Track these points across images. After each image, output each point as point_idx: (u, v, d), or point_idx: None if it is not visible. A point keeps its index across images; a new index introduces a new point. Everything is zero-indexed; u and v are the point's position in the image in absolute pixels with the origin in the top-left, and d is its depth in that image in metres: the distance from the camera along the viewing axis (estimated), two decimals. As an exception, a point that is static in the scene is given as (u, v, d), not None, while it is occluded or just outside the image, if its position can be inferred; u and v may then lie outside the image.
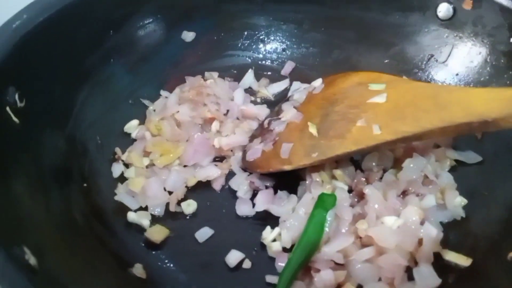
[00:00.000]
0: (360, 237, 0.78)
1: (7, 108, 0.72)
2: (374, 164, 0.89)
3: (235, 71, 1.12)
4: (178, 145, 0.94)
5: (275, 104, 1.05)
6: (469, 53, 0.99)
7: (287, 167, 0.86)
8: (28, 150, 0.74)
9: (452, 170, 0.91)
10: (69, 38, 0.87)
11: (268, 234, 0.81)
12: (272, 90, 1.09)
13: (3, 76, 0.72)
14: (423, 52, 1.05)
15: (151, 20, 1.03)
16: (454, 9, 0.99)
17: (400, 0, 1.03)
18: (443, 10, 1.00)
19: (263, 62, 1.14)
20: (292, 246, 0.78)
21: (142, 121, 0.99)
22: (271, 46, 1.15)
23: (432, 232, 0.77)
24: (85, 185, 0.83)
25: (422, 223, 0.79)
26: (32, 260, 0.54)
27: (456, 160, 0.92)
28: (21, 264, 0.51)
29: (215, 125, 0.98)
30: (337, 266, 0.75)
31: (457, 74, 1.01)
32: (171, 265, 0.78)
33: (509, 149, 0.89)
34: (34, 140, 0.77)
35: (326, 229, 0.76)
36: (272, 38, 1.15)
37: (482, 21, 0.96)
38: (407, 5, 1.03)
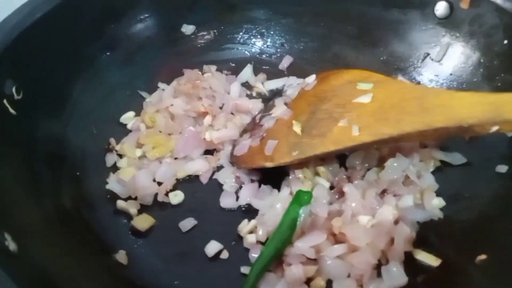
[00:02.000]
0: (335, 234, 0.80)
1: (4, 101, 0.76)
2: (358, 162, 0.90)
3: (233, 65, 1.14)
4: (170, 138, 0.97)
5: (270, 99, 1.07)
6: (463, 53, 0.99)
7: (268, 164, 0.88)
8: (22, 138, 0.79)
9: (437, 170, 0.92)
10: (67, 31, 0.91)
11: (244, 226, 0.84)
12: (268, 86, 1.11)
13: (1, 69, 0.76)
14: (419, 50, 1.05)
15: (151, 12, 1.07)
16: (451, 8, 0.98)
17: (401, -5, 1.03)
18: (441, 8, 1.00)
19: (262, 56, 1.16)
20: (267, 239, 0.81)
21: (139, 113, 1.02)
22: (270, 40, 1.16)
23: (405, 232, 0.79)
24: (78, 173, 0.88)
25: (396, 222, 0.81)
26: (12, 246, 0.58)
27: (441, 161, 0.92)
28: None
29: (207, 120, 1.01)
30: (309, 261, 0.77)
31: (451, 74, 1.01)
32: (152, 253, 0.83)
33: (497, 154, 0.89)
34: (29, 128, 0.81)
35: (299, 224, 0.78)
36: (272, 32, 1.16)
37: (478, 21, 0.95)
38: (407, 1, 1.03)
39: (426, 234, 0.83)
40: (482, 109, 0.74)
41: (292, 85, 1.08)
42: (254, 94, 1.11)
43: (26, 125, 0.81)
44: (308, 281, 0.77)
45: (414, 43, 1.05)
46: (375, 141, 0.80)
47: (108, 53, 1.00)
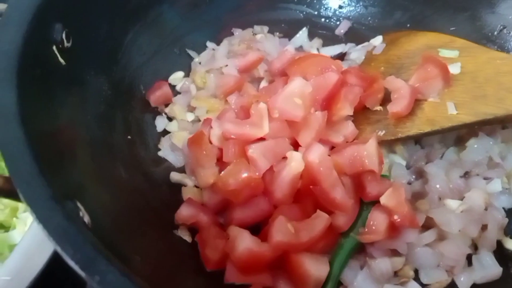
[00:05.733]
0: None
1: (54, 48, 0.66)
2: (436, 141, 0.82)
3: (285, 27, 1.03)
4: (224, 102, 0.87)
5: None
6: (547, 28, 0.90)
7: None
8: (73, 94, 0.68)
9: (517, 153, 0.84)
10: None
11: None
12: (324, 52, 1.01)
13: (51, 12, 0.65)
14: (495, 21, 0.95)
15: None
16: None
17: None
18: (525, -25, 0.90)
19: (317, 19, 1.05)
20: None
21: (187, 73, 0.93)
22: (327, 2, 1.05)
23: (497, 218, 0.72)
24: (129, 137, 0.78)
25: (485, 208, 0.74)
26: (86, 217, 0.49)
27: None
28: (80, 222, 0.46)
29: (263, 84, 0.91)
30: (394, 250, 0.70)
31: (530, 50, 0.92)
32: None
33: None
34: (79, 82, 0.71)
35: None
36: (330, -9, 1.05)
37: None
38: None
39: (510, 222, 0.76)
40: None
41: (356, 47, 0.98)
42: (308, 60, 1.01)
43: (75, 79, 0.70)
44: (395, 269, 0.70)
45: (489, 13, 0.95)
46: (478, 121, 0.71)
47: (158, 3, 0.88)
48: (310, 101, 0.74)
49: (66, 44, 0.68)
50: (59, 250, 0.40)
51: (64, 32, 0.68)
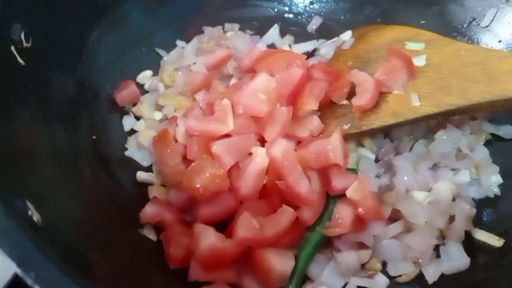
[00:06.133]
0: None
1: (12, 48, 0.65)
2: (405, 133, 0.82)
3: (257, 24, 1.03)
4: (192, 99, 0.87)
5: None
6: (516, 19, 0.90)
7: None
8: (33, 94, 0.68)
9: (486, 144, 0.84)
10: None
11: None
12: (296, 49, 1.01)
13: (8, 12, 0.65)
14: (464, 14, 0.96)
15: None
16: (503, -33, 0.89)
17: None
18: (491, -33, 0.90)
19: (288, 15, 1.05)
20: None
21: (156, 72, 0.92)
22: (298, -2, 1.06)
23: (465, 209, 0.72)
24: (94, 137, 0.77)
25: (453, 199, 0.74)
26: (36, 216, 0.49)
27: (492, 134, 0.85)
28: (23, 220, 0.45)
29: (233, 82, 0.91)
30: (361, 243, 0.69)
31: (500, 41, 0.92)
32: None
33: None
34: (40, 82, 0.70)
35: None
36: (300, -13, 1.05)
37: (535, -16, 0.87)
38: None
39: (482, 213, 0.76)
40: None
41: (325, 43, 0.98)
42: (280, 57, 1.01)
43: (36, 78, 0.69)
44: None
45: (458, 6, 0.96)
46: (441, 113, 0.71)
47: (124, 3, 0.88)
48: (275, 97, 0.74)
49: (25, 44, 0.68)
50: (-4, 247, 0.40)
51: (23, 32, 0.67)
